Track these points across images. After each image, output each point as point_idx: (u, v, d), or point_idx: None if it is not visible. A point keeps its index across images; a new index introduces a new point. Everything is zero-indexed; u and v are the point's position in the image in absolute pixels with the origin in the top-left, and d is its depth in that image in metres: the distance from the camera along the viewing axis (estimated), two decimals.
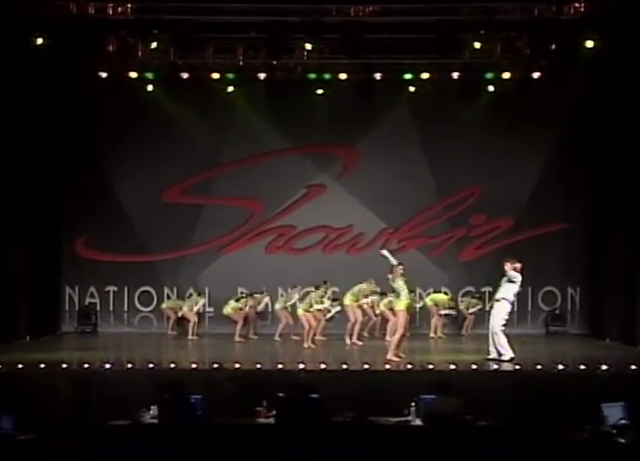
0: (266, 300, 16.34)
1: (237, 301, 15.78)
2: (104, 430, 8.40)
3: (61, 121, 16.36)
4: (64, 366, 11.27)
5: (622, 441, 8.10)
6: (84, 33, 14.27)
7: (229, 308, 15.72)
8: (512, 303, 12.79)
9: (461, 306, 16.67)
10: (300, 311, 14.54)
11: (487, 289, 16.95)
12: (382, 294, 15.16)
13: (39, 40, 13.96)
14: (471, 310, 16.54)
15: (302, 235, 17.53)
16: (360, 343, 14.71)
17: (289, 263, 17.04)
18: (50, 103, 15.77)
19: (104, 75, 15.43)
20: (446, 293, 16.53)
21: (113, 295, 17.27)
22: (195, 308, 16.05)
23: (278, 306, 15.78)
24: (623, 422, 8.62)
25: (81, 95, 16.09)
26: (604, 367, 11.08)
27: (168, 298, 17.10)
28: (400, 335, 12.28)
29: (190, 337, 15.63)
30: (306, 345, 14.07)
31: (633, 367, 11.09)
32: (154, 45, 14.99)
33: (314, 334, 14.39)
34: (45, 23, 13.90)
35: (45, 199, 16.23)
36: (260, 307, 16.29)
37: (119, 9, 14.11)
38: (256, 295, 16.08)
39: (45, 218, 16.34)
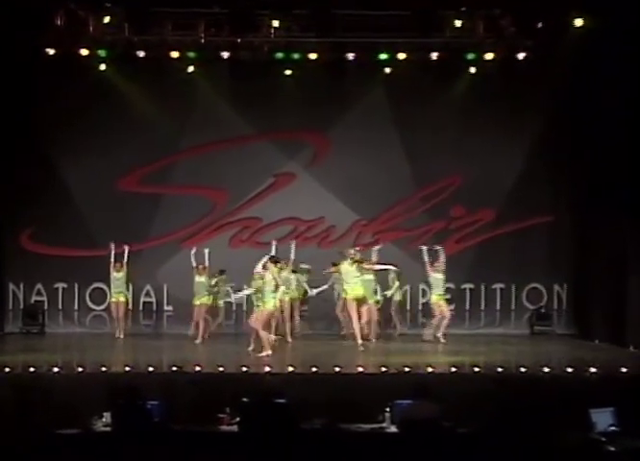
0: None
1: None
2: (51, 440, 8.29)
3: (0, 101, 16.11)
4: (7, 370, 11.15)
5: (611, 449, 8.13)
6: (28, 4, 14.08)
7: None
8: None
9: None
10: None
11: (468, 286, 17.10)
12: None
13: None
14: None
15: (269, 228, 17.47)
16: (444, 340, 14.90)
17: (255, 258, 16.90)
18: None
19: (51, 52, 15.28)
20: None
21: (62, 292, 17.14)
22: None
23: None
24: (613, 428, 8.68)
25: (24, 74, 15.87)
26: (593, 369, 11.16)
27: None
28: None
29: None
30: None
31: (624, 370, 11.18)
32: (107, 20, 14.91)
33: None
34: None
35: None
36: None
37: None
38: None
39: None
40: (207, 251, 15.52)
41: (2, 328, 16.94)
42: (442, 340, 14.95)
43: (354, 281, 14.04)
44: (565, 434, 8.21)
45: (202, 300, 15.51)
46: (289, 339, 15.18)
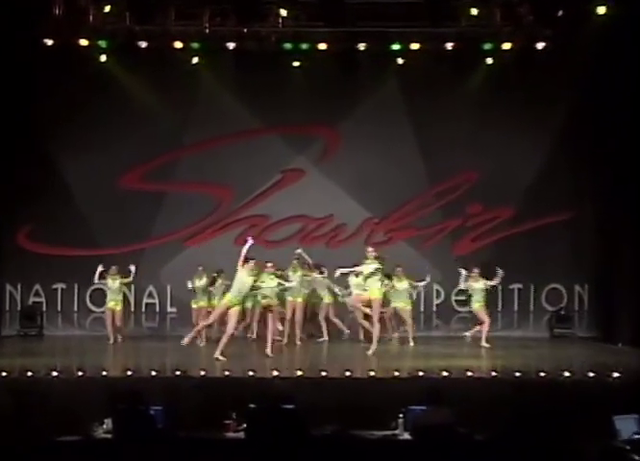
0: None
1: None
2: (50, 447, 8.30)
3: None
4: (4, 374, 11.17)
5: (636, 458, 8.10)
6: None
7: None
8: None
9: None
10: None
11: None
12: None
13: None
14: None
15: (276, 226, 17.49)
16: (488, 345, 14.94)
17: (262, 257, 16.90)
18: None
19: (49, 42, 15.28)
20: None
21: (61, 293, 17.17)
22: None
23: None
24: (637, 436, 8.64)
25: (22, 66, 15.88)
26: (616, 374, 11.12)
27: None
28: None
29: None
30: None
31: None
32: (107, 9, 14.93)
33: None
34: None
35: None
36: None
37: None
38: None
39: None
40: None
41: None
42: (486, 345, 14.95)
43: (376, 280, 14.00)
44: (587, 442, 8.17)
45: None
46: (298, 342, 15.19)
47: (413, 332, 15.44)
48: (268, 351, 13.44)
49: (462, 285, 15.49)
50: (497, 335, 16.66)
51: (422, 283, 15.71)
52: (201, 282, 15.61)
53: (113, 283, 15.66)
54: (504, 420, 9.62)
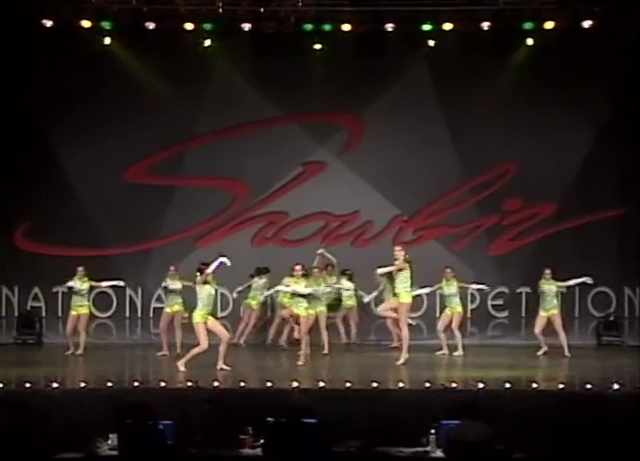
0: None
1: None
2: None
3: None
4: (0, 385, 11.25)
5: None
6: None
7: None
8: None
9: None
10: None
11: (524, 290, 17.02)
12: None
13: None
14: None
15: (296, 224, 17.55)
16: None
17: (280, 258, 17.00)
18: None
19: (48, 24, 15.40)
20: None
21: (62, 297, 17.24)
22: None
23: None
24: None
25: (19, 48, 15.99)
26: None
27: None
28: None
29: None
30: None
31: None
32: None
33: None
34: None
35: None
36: None
37: None
38: None
39: None
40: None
41: None
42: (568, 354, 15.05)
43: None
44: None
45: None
46: (326, 350, 15.21)
47: (462, 340, 15.46)
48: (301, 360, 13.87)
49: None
50: (538, 343, 16.66)
51: (476, 286, 15.76)
52: (175, 285, 15.48)
53: (82, 285, 15.52)
54: (545, 436, 9.63)
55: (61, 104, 16.74)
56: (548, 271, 15.32)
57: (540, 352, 15.29)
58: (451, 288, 15.43)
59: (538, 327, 15.37)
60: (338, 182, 17.40)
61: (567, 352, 15.03)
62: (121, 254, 17.08)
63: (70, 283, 15.54)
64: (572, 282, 15.47)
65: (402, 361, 13.80)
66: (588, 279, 15.40)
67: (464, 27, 15.84)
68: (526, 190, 17.17)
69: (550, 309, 15.27)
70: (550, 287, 15.29)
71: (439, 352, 15.25)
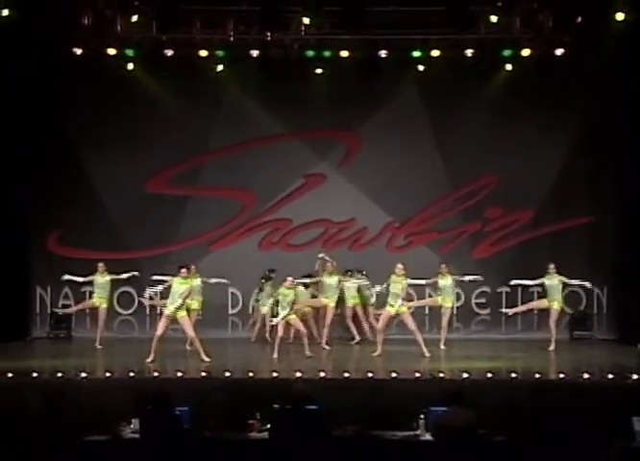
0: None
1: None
2: (79, 447, 8.38)
3: (29, 102, 16.30)
4: (35, 375, 11.27)
5: None
6: (55, 4, 14.20)
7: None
8: None
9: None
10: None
11: (504, 289, 17.00)
12: None
13: (5, 12, 13.82)
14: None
15: (299, 230, 17.53)
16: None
17: (285, 261, 17.01)
18: (17, 82, 15.72)
19: (78, 52, 15.37)
20: None
21: (90, 296, 17.21)
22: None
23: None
24: None
25: (53, 74, 16.02)
26: (635, 376, 11.07)
27: None
28: None
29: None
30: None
31: None
32: (134, 18, 14.96)
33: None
34: None
35: (12, 188, 16.21)
36: None
37: None
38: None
39: (12, 210, 16.31)
40: None
41: (29, 333, 17.09)
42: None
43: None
44: (607, 443, 8.16)
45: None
46: (325, 346, 15.15)
47: (445, 334, 15.33)
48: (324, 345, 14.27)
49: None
50: (517, 337, 16.68)
51: (470, 278, 15.53)
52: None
53: (102, 278, 15.54)
54: (524, 421, 9.65)
55: (90, 122, 16.76)
56: (552, 265, 15.07)
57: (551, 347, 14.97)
58: (445, 282, 15.23)
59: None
60: (337, 192, 17.39)
61: (552, 347, 14.89)
62: (142, 258, 17.06)
63: (91, 277, 15.56)
64: (574, 282, 15.28)
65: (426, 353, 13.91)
66: (587, 284, 15.31)
67: (450, 53, 15.79)
68: (506, 199, 17.14)
69: (552, 301, 15.12)
70: (552, 281, 15.03)
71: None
